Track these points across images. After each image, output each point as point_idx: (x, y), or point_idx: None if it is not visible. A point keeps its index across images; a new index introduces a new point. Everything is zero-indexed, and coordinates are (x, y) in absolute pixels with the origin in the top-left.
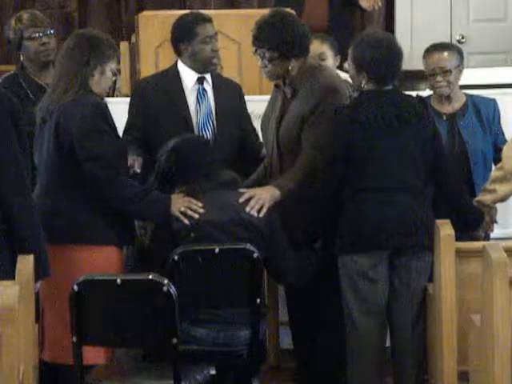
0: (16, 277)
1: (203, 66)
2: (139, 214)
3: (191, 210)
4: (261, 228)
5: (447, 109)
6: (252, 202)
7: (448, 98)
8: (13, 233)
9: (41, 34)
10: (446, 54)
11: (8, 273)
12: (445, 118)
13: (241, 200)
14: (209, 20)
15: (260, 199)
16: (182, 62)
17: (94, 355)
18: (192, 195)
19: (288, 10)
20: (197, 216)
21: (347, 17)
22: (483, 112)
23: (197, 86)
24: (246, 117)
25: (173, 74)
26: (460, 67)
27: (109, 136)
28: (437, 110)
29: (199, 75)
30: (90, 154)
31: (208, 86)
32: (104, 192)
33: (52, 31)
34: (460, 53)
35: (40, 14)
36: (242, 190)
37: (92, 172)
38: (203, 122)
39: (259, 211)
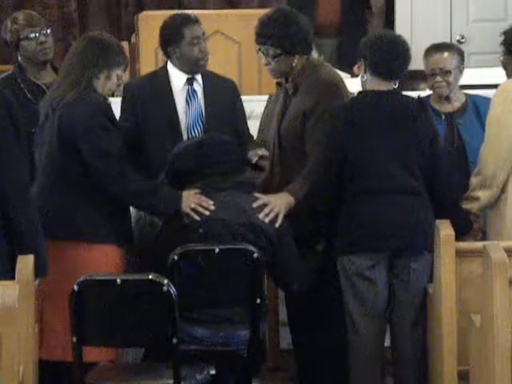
0: (16, 277)
1: (192, 67)
2: (150, 208)
3: (202, 207)
4: (270, 235)
5: (446, 108)
6: (267, 210)
7: (447, 98)
8: (11, 231)
9: (37, 34)
10: (446, 54)
11: (6, 270)
12: (443, 117)
13: (254, 205)
14: (195, 21)
15: (275, 207)
16: (172, 63)
17: (96, 352)
18: (205, 193)
19: (291, 8)
20: (207, 213)
21: (359, 14)
22: (483, 111)
23: (186, 87)
24: (241, 117)
25: (162, 76)
26: (460, 67)
27: (114, 134)
28: (436, 109)
29: (189, 76)
30: (98, 151)
31: (198, 87)
32: (114, 187)
33: (48, 30)
34: (460, 53)
35: (36, 14)
36: (257, 195)
37: (101, 168)
38: (192, 123)
39: (274, 220)
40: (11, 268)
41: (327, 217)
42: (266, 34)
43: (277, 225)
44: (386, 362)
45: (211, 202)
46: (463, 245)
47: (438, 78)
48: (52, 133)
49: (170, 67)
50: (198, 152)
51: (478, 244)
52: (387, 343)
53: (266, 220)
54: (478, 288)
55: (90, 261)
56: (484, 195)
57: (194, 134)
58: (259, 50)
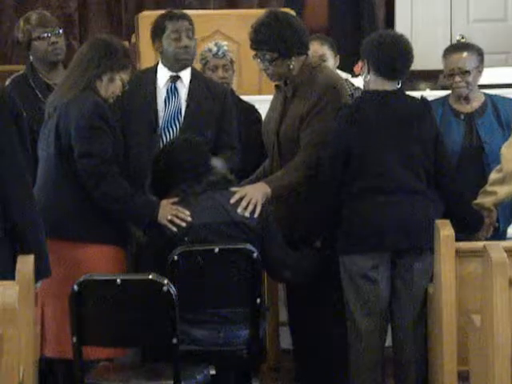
0: (16, 277)
1: (173, 63)
2: (124, 215)
3: (178, 218)
4: (253, 227)
5: (465, 108)
6: (243, 203)
7: (466, 98)
8: (14, 233)
9: (49, 34)
10: (465, 54)
11: (7, 271)
12: (462, 117)
13: (232, 201)
14: (180, 16)
15: (252, 199)
16: (160, 60)
17: (99, 349)
18: (183, 200)
19: (285, 9)
20: (184, 224)
21: (348, 17)
22: (502, 112)
23: (167, 85)
24: (226, 125)
25: (151, 73)
26: (479, 68)
27: (106, 135)
28: (455, 109)
29: (172, 73)
30: (84, 151)
31: (182, 86)
32: (92, 189)
33: (60, 31)
34: (480, 53)
35: (48, 14)
36: (233, 189)
37: (83, 168)
38: (169, 120)
39: (252, 212)
40: (13, 269)
41: (327, 216)
42: (261, 40)
43: (255, 215)
44: (387, 361)
45: (188, 213)
46: (463, 245)
47: (457, 78)
48: (51, 133)
49: (160, 64)
50: (166, 157)
51: (478, 244)
52: (388, 343)
53: (246, 214)
54: (478, 288)
55: (90, 261)
56: (502, 191)
57: (168, 134)
58: (256, 55)
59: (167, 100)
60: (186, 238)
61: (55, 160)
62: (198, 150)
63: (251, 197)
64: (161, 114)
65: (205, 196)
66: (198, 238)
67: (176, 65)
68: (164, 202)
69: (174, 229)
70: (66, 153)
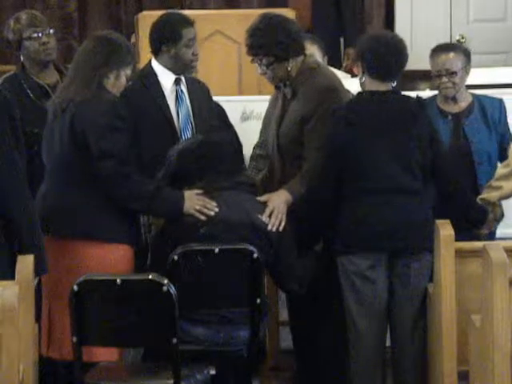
0: (16, 277)
1: (184, 68)
2: (152, 211)
3: (206, 208)
4: (271, 236)
5: (453, 108)
6: (273, 219)
7: (453, 99)
8: (11, 231)
9: (40, 34)
10: (452, 55)
11: (6, 270)
12: (450, 117)
13: (264, 218)
14: (192, 23)
15: (279, 213)
16: (159, 62)
17: (104, 351)
18: (208, 193)
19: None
20: (212, 213)
21: (332, 17)
22: (489, 112)
23: (175, 88)
24: (215, 107)
25: (150, 75)
26: (466, 68)
27: (122, 134)
28: (442, 110)
29: (176, 76)
30: (104, 152)
31: (184, 87)
32: (116, 190)
33: (51, 31)
34: (466, 54)
35: (39, 14)
36: (261, 199)
37: (105, 170)
38: (184, 123)
39: (278, 225)
40: (12, 268)
41: (325, 217)
42: (256, 45)
43: (280, 228)
44: (387, 362)
45: (214, 204)
46: (463, 245)
47: (444, 79)
48: (62, 132)
49: (157, 66)
50: (199, 152)
51: (478, 244)
52: (387, 343)
53: (274, 229)
54: (478, 288)
55: (101, 260)
56: (508, 186)
57: (187, 135)
58: (252, 60)
59: (179, 102)
60: (201, 230)
61: (70, 160)
62: (235, 148)
63: (278, 211)
64: (174, 114)
65: (229, 193)
66: (212, 233)
67: (185, 70)
68: (189, 193)
69: (203, 217)
70: (83, 153)
